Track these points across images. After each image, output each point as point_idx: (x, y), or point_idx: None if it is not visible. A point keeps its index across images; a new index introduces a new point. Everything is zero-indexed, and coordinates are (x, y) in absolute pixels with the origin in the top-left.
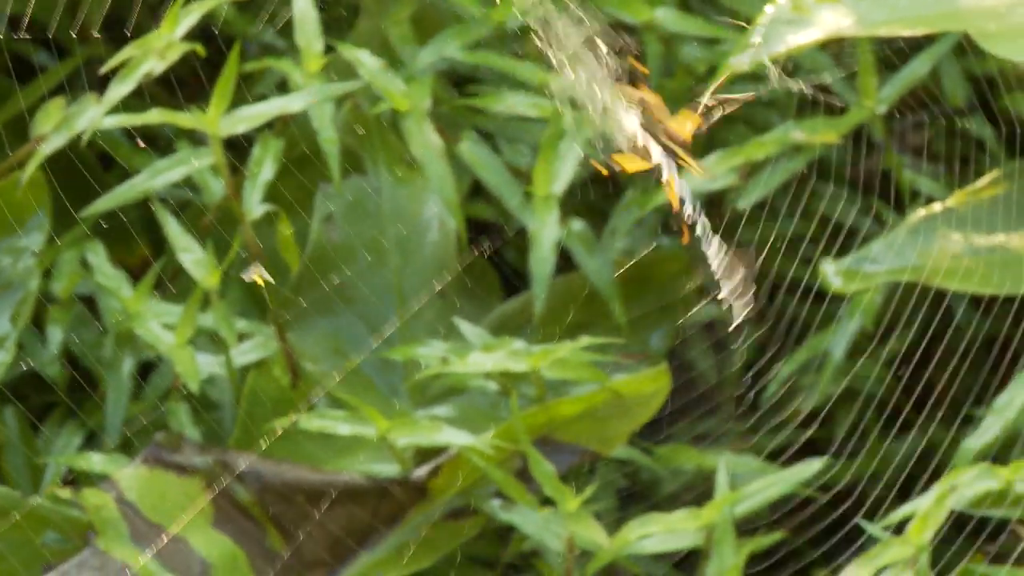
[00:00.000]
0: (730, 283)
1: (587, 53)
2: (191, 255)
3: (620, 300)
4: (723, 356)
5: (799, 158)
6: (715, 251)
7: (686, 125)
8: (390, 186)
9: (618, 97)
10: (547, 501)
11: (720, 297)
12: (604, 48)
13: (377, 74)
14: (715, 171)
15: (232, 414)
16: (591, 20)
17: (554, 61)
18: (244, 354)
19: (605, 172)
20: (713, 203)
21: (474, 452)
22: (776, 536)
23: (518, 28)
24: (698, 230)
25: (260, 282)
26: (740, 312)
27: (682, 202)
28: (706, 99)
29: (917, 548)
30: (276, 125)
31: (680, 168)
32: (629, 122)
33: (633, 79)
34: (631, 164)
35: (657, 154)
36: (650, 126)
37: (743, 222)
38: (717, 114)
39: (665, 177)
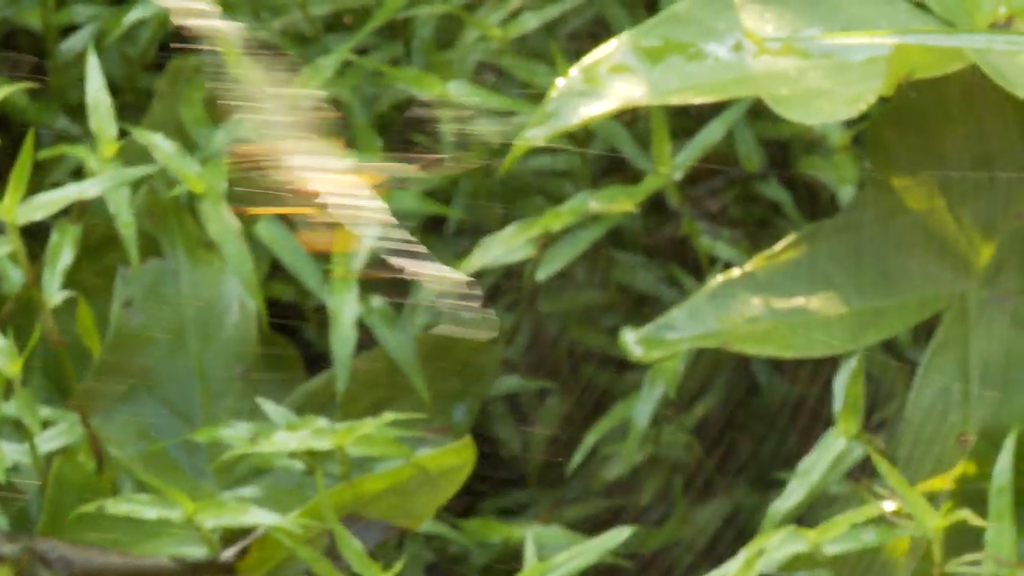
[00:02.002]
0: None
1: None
2: None
3: (423, 375)
4: (527, 427)
5: (597, 227)
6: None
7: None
8: (189, 269)
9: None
10: None
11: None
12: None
13: (172, 157)
14: (513, 243)
15: (38, 501)
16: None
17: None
18: (48, 441)
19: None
20: (511, 275)
21: (281, 531)
22: None
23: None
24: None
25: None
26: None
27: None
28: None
29: None
30: (73, 211)
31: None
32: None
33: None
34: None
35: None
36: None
37: (542, 294)
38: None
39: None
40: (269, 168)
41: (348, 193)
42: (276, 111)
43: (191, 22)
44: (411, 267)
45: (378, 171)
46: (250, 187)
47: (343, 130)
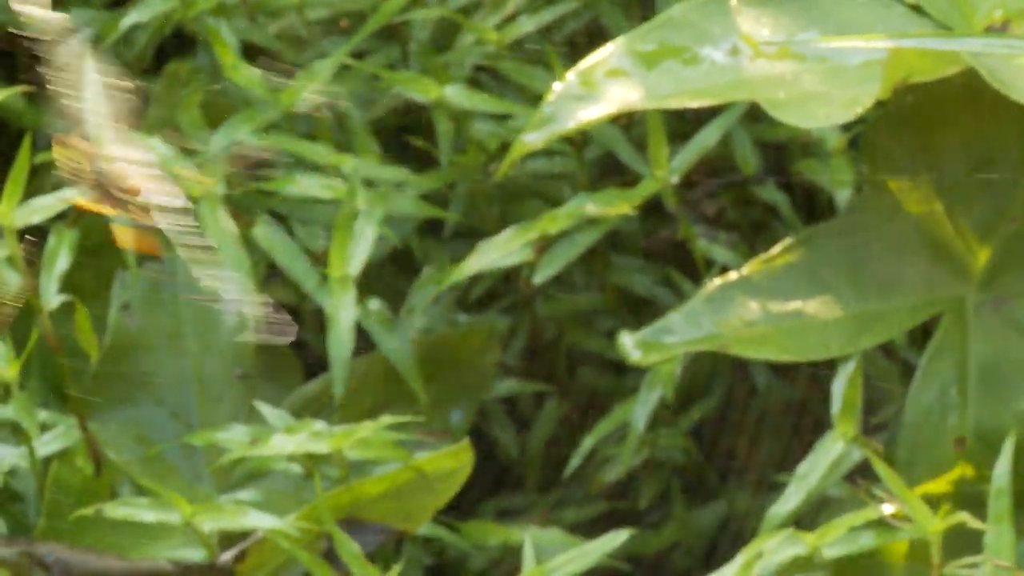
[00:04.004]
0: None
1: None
2: None
3: (420, 378)
4: (525, 430)
5: (594, 231)
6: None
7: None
8: (186, 272)
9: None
10: None
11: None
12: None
13: (169, 161)
14: (510, 247)
15: (37, 505)
16: None
17: None
18: (47, 444)
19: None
20: (508, 279)
21: (280, 535)
22: None
23: (307, 110)
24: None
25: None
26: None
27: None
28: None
29: None
30: (70, 215)
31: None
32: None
33: None
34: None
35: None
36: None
37: (540, 297)
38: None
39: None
40: (92, 159)
41: (155, 186)
42: (92, 100)
43: (26, 11)
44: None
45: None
46: (77, 177)
47: (339, 132)
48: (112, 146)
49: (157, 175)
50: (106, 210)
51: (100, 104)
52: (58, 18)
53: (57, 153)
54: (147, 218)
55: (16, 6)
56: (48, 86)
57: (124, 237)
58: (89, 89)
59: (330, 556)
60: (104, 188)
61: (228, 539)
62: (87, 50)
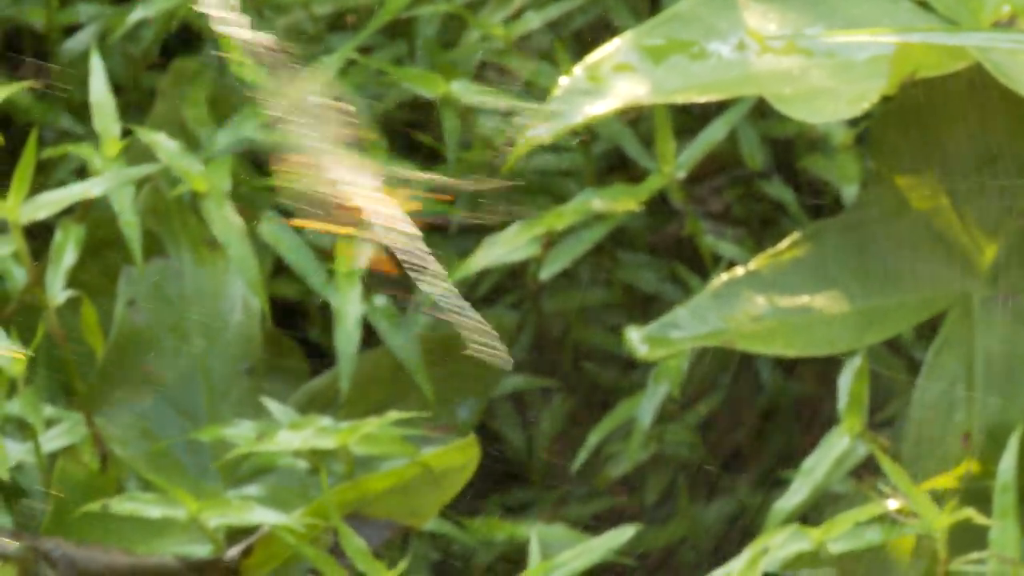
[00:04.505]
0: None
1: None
2: None
3: (427, 374)
4: (531, 426)
5: (600, 227)
6: (470, 314)
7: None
8: (192, 268)
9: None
10: None
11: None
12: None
13: (175, 156)
14: (516, 242)
15: (43, 500)
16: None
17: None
18: (53, 440)
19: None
20: (515, 274)
21: (286, 530)
22: None
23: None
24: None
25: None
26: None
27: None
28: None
29: None
30: (77, 210)
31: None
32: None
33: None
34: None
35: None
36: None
37: (546, 293)
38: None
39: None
40: (314, 180)
41: (385, 210)
42: (311, 121)
43: (215, 25)
44: (426, 282)
45: (410, 182)
46: (298, 198)
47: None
48: (335, 167)
49: (381, 198)
50: (333, 229)
51: (321, 125)
52: (268, 39)
53: (280, 175)
54: (372, 237)
55: (222, 30)
56: (55, 83)
57: (356, 255)
58: (309, 110)
59: (336, 552)
60: (329, 208)
61: (234, 534)
62: (305, 71)
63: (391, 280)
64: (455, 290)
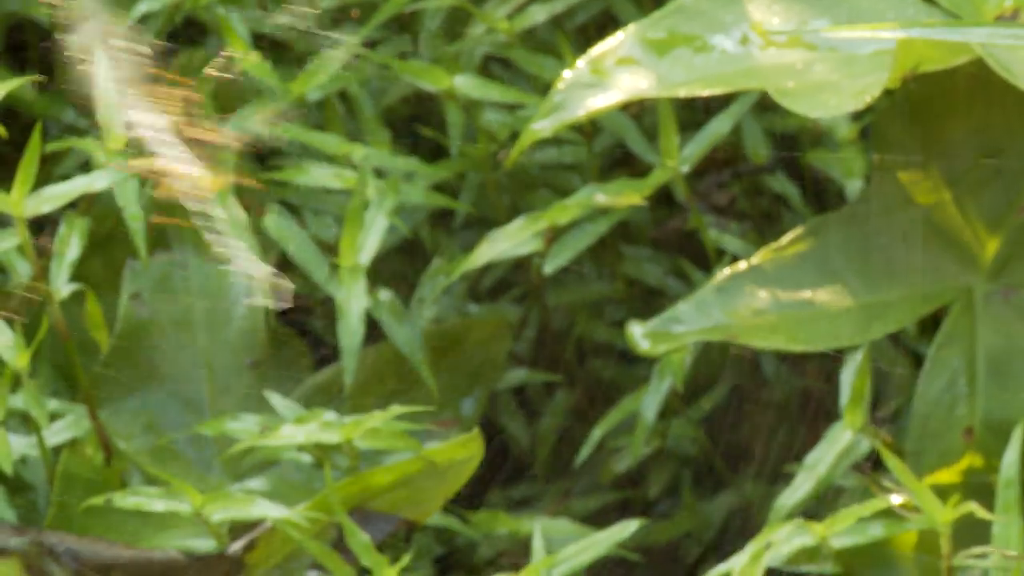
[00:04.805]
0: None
1: None
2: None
3: (431, 368)
4: (535, 420)
5: (604, 221)
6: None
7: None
8: (196, 262)
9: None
10: (364, 571)
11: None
12: None
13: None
14: (520, 236)
15: (46, 494)
16: None
17: None
18: (56, 434)
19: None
20: (519, 268)
21: (289, 524)
22: None
23: (318, 99)
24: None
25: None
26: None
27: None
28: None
29: None
30: (81, 204)
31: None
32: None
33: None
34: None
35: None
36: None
37: (550, 287)
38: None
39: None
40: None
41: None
42: (110, 63)
43: None
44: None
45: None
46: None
47: (350, 122)
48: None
49: (169, 141)
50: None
51: (115, 71)
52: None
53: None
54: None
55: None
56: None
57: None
58: (106, 50)
59: (340, 546)
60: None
61: (238, 529)
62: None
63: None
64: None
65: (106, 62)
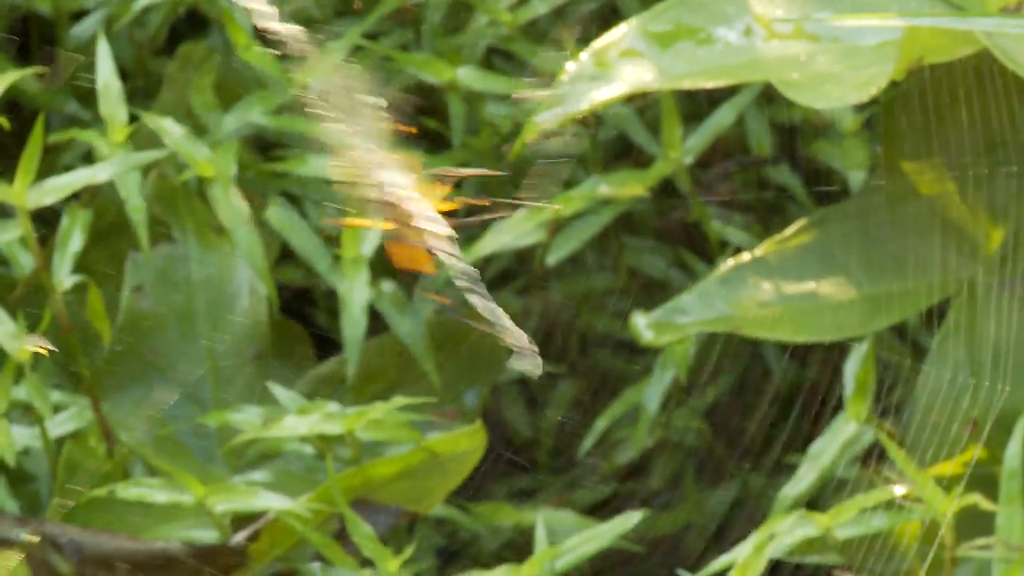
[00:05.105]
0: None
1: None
2: (2, 328)
3: (433, 359)
4: (538, 411)
5: (607, 212)
6: (496, 312)
7: (433, 192)
8: (199, 253)
9: (375, 153)
10: (366, 563)
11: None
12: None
13: (182, 142)
14: (523, 228)
15: (49, 485)
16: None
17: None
18: (59, 425)
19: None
20: (522, 259)
21: (292, 516)
22: None
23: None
24: (476, 299)
25: (44, 352)
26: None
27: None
28: (445, 171)
29: None
30: (83, 195)
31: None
32: (386, 176)
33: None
34: (370, 223)
35: (413, 207)
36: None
37: (553, 278)
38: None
39: (433, 229)
40: (362, 179)
41: (424, 208)
42: (355, 119)
43: (264, 24)
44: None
45: (445, 178)
46: (350, 196)
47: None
48: (373, 162)
49: (419, 198)
50: (386, 227)
51: (356, 117)
52: (300, 32)
53: (336, 171)
54: (419, 237)
55: (262, 24)
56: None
57: (400, 255)
58: (342, 101)
59: (342, 537)
60: (384, 206)
61: (240, 520)
62: (351, 71)
63: (427, 279)
64: (485, 291)
65: (349, 117)
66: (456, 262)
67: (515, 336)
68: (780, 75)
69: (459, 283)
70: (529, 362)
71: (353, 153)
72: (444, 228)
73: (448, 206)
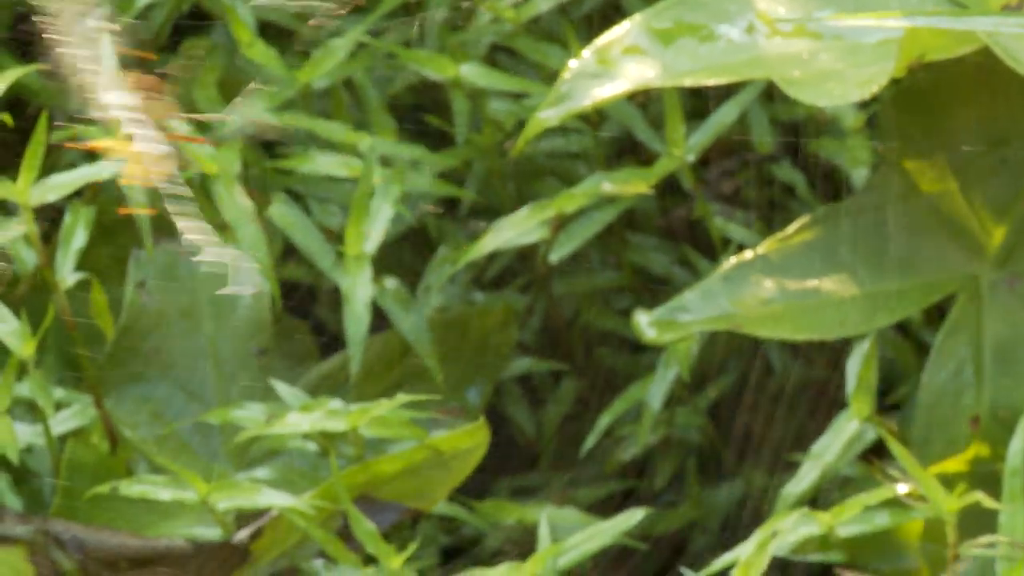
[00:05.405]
0: None
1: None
2: (5, 325)
3: (436, 356)
4: (541, 409)
5: (610, 209)
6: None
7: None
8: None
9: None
10: (370, 560)
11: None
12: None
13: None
14: (526, 225)
15: (52, 483)
16: None
17: None
18: (62, 423)
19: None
20: (525, 257)
21: (295, 513)
22: None
23: (324, 88)
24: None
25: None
26: None
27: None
28: None
29: None
30: (86, 192)
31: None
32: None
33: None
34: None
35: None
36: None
37: (556, 276)
38: None
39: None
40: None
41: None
42: (85, 42)
43: None
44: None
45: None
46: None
47: (355, 111)
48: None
49: (143, 118)
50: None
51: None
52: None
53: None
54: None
55: None
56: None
57: (131, 170)
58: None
59: (345, 534)
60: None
61: (243, 517)
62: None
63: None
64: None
65: (83, 42)
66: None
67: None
68: (782, 73)
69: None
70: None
71: (83, 75)
72: (162, 147)
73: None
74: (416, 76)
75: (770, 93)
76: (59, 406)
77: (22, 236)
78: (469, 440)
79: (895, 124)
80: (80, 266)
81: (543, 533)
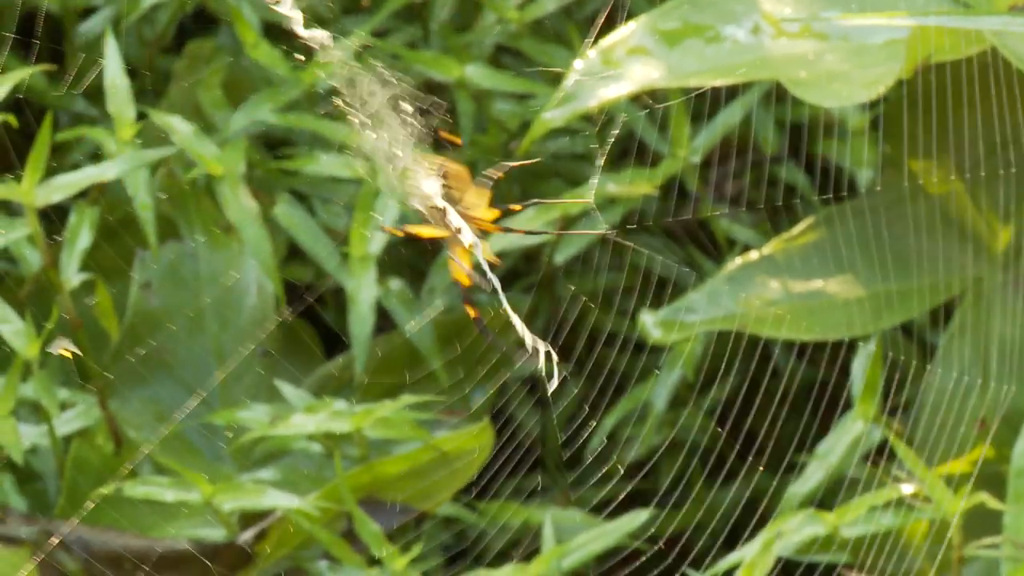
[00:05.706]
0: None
1: (391, 114)
2: (10, 326)
3: (441, 357)
4: (545, 410)
5: (615, 210)
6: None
7: (483, 198)
8: (207, 251)
9: (419, 161)
10: (374, 561)
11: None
12: (410, 109)
13: (190, 139)
14: (531, 225)
15: (57, 483)
16: (399, 81)
17: (356, 122)
18: (67, 423)
19: (399, 234)
20: (530, 258)
21: (299, 514)
22: None
23: (328, 89)
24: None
25: (67, 354)
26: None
27: (478, 274)
28: (492, 172)
29: None
30: (91, 193)
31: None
32: (428, 187)
33: (438, 143)
34: (427, 232)
35: (456, 221)
36: (449, 195)
37: (561, 276)
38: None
39: (467, 243)
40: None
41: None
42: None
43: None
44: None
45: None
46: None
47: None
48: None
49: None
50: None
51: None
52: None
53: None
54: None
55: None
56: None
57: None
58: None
59: (350, 535)
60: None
61: (248, 518)
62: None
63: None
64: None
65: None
66: (485, 272)
67: (534, 343)
68: (788, 73)
69: (483, 289)
70: (546, 365)
71: (396, 163)
72: (473, 238)
73: (492, 214)
74: (421, 77)
75: (775, 94)
76: (64, 406)
77: (27, 236)
78: (473, 441)
79: (901, 125)
80: (85, 266)
81: (547, 534)
